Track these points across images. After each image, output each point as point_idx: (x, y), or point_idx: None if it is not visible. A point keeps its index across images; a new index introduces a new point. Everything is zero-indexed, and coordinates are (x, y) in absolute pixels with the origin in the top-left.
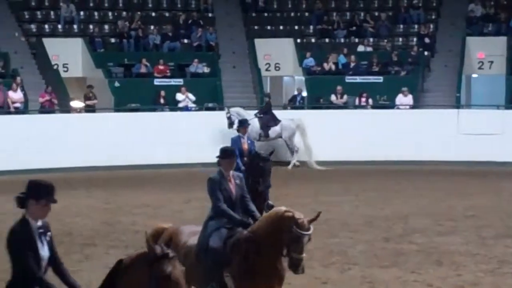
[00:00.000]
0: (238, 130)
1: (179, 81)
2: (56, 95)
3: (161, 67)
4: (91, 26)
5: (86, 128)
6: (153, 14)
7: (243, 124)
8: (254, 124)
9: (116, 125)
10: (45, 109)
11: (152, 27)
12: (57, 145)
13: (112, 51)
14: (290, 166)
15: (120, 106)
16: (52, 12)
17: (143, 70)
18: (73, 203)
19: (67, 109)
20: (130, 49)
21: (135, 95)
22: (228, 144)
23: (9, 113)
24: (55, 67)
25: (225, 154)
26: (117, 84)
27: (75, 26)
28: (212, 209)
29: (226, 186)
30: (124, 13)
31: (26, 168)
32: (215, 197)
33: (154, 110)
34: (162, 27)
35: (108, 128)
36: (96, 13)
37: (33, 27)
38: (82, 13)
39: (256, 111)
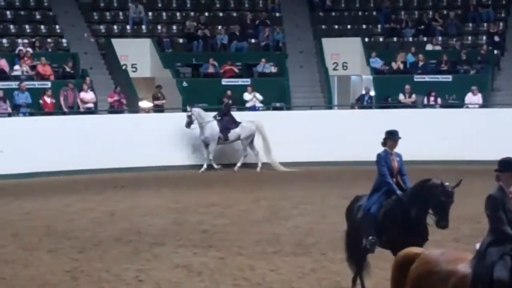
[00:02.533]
0: (383, 144)
1: (246, 81)
2: (124, 95)
3: (228, 67)
4: (159, 27)
5: (155, 128)
6: (221, 14)
7: (392, 136)
8: (213, 127)
9: (183, 125)
10: (114, 109)
11: (219, 27)
12: (126, 145)
13: (180, 51)
14: (236, 167)
15: (188, 106)
16: (120, 13)
17: (210, 70)
18: (142, 202)
19: (136, 109)
20: (198, 49)
21: (203, 95)
22: None
23: (79, 113)
24: (123, 67)
25: (507, 166)
26: (185, 84)
27: (143, 27)
28: (493, 232)
29: (510, 205)
30: (192, 13)
31: (95, 167)
32: (497, 218)
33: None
34: (229, 27)
35: (176, 127)
36: (164, 14)
37: (102, 28)
38: (150, 13)
39: (215, 113)
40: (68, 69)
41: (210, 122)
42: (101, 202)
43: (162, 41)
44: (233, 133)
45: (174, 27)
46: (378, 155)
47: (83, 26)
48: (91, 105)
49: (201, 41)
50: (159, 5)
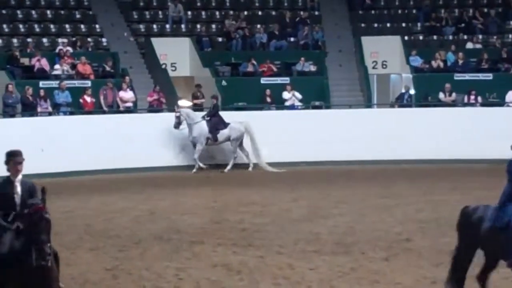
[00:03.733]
0: None
1: (285, 80)
2: (164, 94)
3: (267, 65)
4: (198, 26)
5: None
6: (260, 13)
7: None
8: (203, 127)
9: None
10: (153, 108)
11: (259, 26)
12: (165, 143)
13: (219, 50)
14: (227, 169)
15: (227, 105)
16: (160, 12)
17: (250, 69)
18: (181, 201)
19: (175, 109)
20: (237, 48)
21: (242, 93)
22: None
23: (119, 112)
24: (163, 66)
25: None
26: (224, 83)
27: (182, 26)
28: None
29: None
30: (231, 12)
31: (135, 166)
32: None
33: (260, 108)
34: (268, 26)
35: None
36: (203, 13)
37: (141, 27)
38: (189, 12)
39: (204, 113)
40: (108, 68)
41: (199, 123)
42: (141, 200)
43: (201, 40)
44: (222, 134)
45: (214, 26)
46: (510, 162)
47: (123, 26)
48: (130, 104)
49: (240, 40)
50: (198, 4)
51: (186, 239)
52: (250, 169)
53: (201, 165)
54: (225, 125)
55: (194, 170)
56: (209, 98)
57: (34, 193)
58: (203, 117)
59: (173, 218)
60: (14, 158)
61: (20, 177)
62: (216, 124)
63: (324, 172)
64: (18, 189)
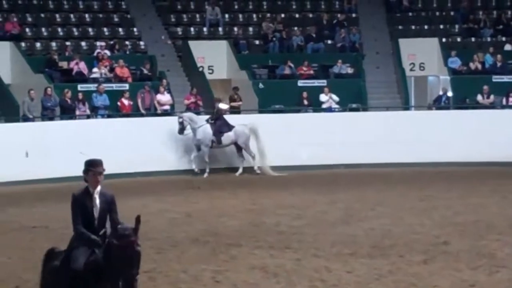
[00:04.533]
0: None
1: (322, 82)
2: (201, 97)
3: (305, 68)
4: (235, 29)
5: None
6: (297, 15)
7: None
8: (207, 131)
9: (260, 126)
10: (190, 111)
11: (296, 28)
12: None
13: (256, 52)
14: (238, 173)
15: (264, 107)
16: (197, 15)
17: (287, 71)
18: (218, 203)
19: (212, 111)
20: (274, 50)
21: (279, 96)
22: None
23: (156, 115)
24: (200, 69)
25: None
26: (261, 85)
27: (220, 29)
28: None
29: None
30: (268, 15)
31: (172, 169)
32: None
33: (298, 111)
34: (306, 28)
35: None
36: (240, 16)
37: (179, 30)
38: (226, 15)
39: (208, 116)
40: (145, 71)
41: (203, 126)
42: (177, 203)
43: (238, 42)
44: (226, 137)
45: (251, 28)
46: None
47: (161, 29)
48: (167, 107)
49: (278, 43)
50: (236, 7)
51: (223, 242)
52: (238, 173)
53: (196, 170)
54: (229, 128)
55: (206, 174)
56: (246, 101)
57: (114, 207)
58: (207, 120)
59: (210, 220)
60: (94, 168)
61: (99, 188)
62: (220, 127)
63: (361, 174)
64: (97, 201)
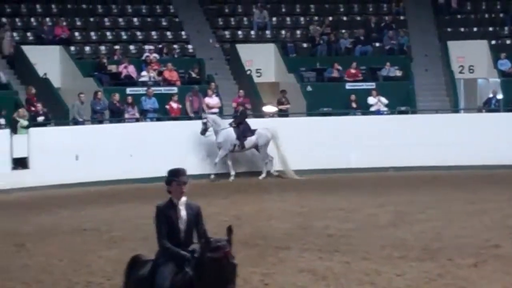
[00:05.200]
0: None
1: (371, 85)
2: (249, 100)
3: (353, 71)
4: (283, 32)
5: (279, 133)
6: (345, 18)
7: None
8: (229, 134)
9: (308, 129)
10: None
11: (343, 31)
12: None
13: (304, 55)
14: (262, 176)
15: (312, 110)
16: (245, 19)
17: (335, 74)
18: (266, 207)
19: (260, 114)
20: (322, 53)
21: (327, 99)
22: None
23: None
24: (248, 72)
25: None
26: (309, 88)
27: (267, 32)
28: None
29: None
30: (316, 17)
31: (221, 172)
32: None
33: (346, 114)
34: (353, 31)
35: (300, 132)
36: (288, 19)
37: (227, 33)
38: (274, 18)
39: (231, 120)
40: (194, 75)
41: (226, 129)
42: (226, 206)
43: (286, 45)
44: (249, 141)
45: (298, 31)
46: None
47: (209, 32)
48: (216, 110)
49: (325, 45)
50: (283, 10)
51: (272, 245)
52: (261, 177)
53: (212, 175)
54: (252, 132)
55: (212, 176)
56: (294, 104)
57: (200, 218)
58: (230, 124)
59: (259, 223)
60: (177, 178)
61: (184, 199)
62: (244, 131)
63: (410, 177)
64: (183, 213)
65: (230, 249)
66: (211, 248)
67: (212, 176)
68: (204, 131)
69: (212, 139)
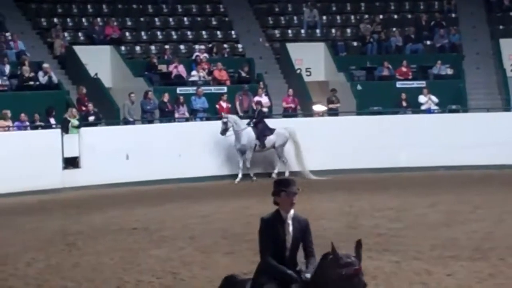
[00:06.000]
0: None
1: (421, 83)
2: (299, 99)
3: (403, 69)
4: (333, 30)
5: (328, 132)
6: (395, 16)
7: None
8: (250, 134)
9: (358, 128)
10: (288, 113)
11: (394, 29)
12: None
13: (354, 54)
14: (274, 174)
15: (362, 109)
16: (295, 17)
17: (385, 72)
18: (316, 206)
19: (310, 113)
20: (372, 52)
21: (377, 98)
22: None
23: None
24: (298, 71)
25: None
26: (359, 87)
27: (317, 31)
28: None
29: None
30: (366, 16)
31: (270, 170)
32: None
33: (396, 112)
34: (404, 29)
35: (350, 131)
36: (338, 17)
37: (276, 32)
38: (324, 17)
39: (248, 120)
40: (243, 74)
41: (246, 129)
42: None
43: (336, 44)
44: (269, 140)
45: (348, 30)
46: None
47: (259, 31)
48: (265, 109)
49: (376, 44)
50: (334, 8)
51: (321, 244)
52: (274, 175)
53: (252, 175)
54: (271, 131)
55: (254, 178)
56: (344, 103)
57: (309, 234)
58: (249, 124)
59: None
60: (287, 188)
61: (292, 212)
62: (263, 130)
63: (461, 176)
64: (290, 228)
65: (361, 266)
66: (341, 264)
67: (254, 178)
68: (224, 131)
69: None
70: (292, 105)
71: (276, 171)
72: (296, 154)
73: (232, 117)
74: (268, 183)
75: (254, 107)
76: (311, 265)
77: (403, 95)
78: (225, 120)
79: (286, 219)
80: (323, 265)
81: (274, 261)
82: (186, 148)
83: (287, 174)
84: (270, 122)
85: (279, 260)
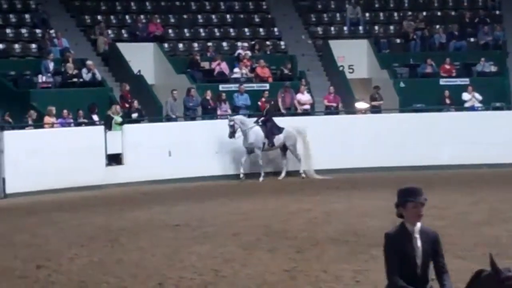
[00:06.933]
0: None
1: (465, 81)
2: (341, 96)
3: (447, 66)
4: (376, 27)
5: (371, 129)
6: (439, 13)
7: None
8: (258, 133)
9: (401, 126)
10: (330, 111)
11: (437, 26)
12: (341, 146)
13: (397, 51)
14: (281, 176)
15: (405, 106)
16: (338, 15)
17: (428, 70)
18: (358, 203)
19: (352, 110)
20: (416, 49)
21: (420, 95)
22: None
23: (296, 114)
24: (340, 68)
25: None
26: (402, 84)
27: (360, 28)
28: None
29: None
30: (410, 13)
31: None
32: None
33: (439, 110)
34: (448, 26)
35: (393, 128)
36: (381, 14)
37: (319, 29)
38: (367, 14)
39: (255, 118)
40: (286, 71)
41: (254, 128)
42: (316, 202)
43: (379, 41)
44: (277, 139)
45: (391, 27)
46: None
47: (301, 28)
48: (308, 106)
49: (419, 41)
50: (377, 5)
51: (364, 242)
52: (281, 177)
53: (262, 174)
54: (279, 130)
55: (261, 178)
56: (387, 100)
57: (439, 248)
58: (256, 122)
59: (350, 220)
60: (414, 198)
61: (419, 225)
62: (272, 129)
63: (505, 174)
64: (419, 242)
65: None
66: (503, 278)
67: (261, 178)
68: (232, 134)
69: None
70: (334, 104)
71: (283, 174)
72: (304, 152)
73: (238, 118)
74: (302, 181)
75: (296, 105)
76: (447, 283)
77: (447, 93)
78: (231, 122)
79: (413, 233)
80: (483, 283)
81: (402, 282)
82: (227, 145)
83: (301, 172)
84: (281, 121)
85: (409, 279)
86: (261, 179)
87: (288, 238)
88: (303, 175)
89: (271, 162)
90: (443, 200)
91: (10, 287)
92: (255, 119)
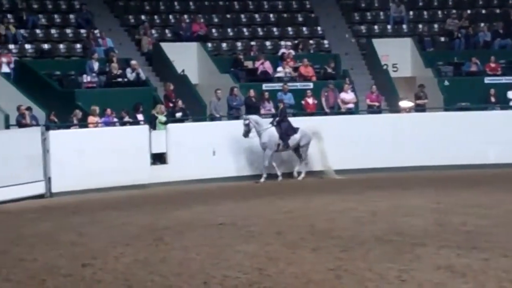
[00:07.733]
0: None
1: (510, 79)
2: (385, 95)
3: (492, 65)
4: (420, 26)
5: (415, 128)
6: (483, 11)
7: None
8: (272, 133)
9: (445, 124)
10: (373, 110)
11: (482, 24)
12: (384, 145)
13: (441, 50)
14: (301, 177)
15: (450, 105)
16: (381, 13)
17: (473, 68)
18: (403, 202)
19: (396, 109)
20: (460, 47)
21: (465, 94)
22: None
23: (340, 113)
24: (384, 67)
25: None
26: (446, 83)
27: (404, 26)
28: None
29: None
30: (454, 11)
31: (354, 167)
32: None
33: (484, 108)
34: (492, 24)
35: (437, 127)
36: (425, 12)
37: (363, 28)
38: (411, 12)
39: (271, 119)
40: (329, 70)
41: (268, 129)
42: (361, 201)
43: (423, 40)
44: (292, 139)
45: (436, 25)
46: None
47: (344, 27)
48: (351, 105)
49: (463, 39)
50: (420, 3)
51: (408, 241)
52: (299, 177)
53: (278, 173)
54: (295, 130)
55: (262, 179)
56: (431, 99)
57: None
58: (272, 123)
59: (394, 219)
60: None
61: None
62: (286, 129)
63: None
64: None
65: None
66: None
67: (263, 179)
68: (247, 133)
69: (346, 135)
70: (377, 103)
71: (296, 169)
72: (320, 152)
73: (253, 118)
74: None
75: (340, 104)
76: None
77: (492, 91)
78: (246, 122)
79: None
80: None
81: None
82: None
83: (303, 175)
84: (297, 121)
85: None
86: (262, 180)
87: (333, 237)
88: (295, 174)
89: (284, 163)
90: (489, 199)
91: (56, 286)
92: (270, 119)
